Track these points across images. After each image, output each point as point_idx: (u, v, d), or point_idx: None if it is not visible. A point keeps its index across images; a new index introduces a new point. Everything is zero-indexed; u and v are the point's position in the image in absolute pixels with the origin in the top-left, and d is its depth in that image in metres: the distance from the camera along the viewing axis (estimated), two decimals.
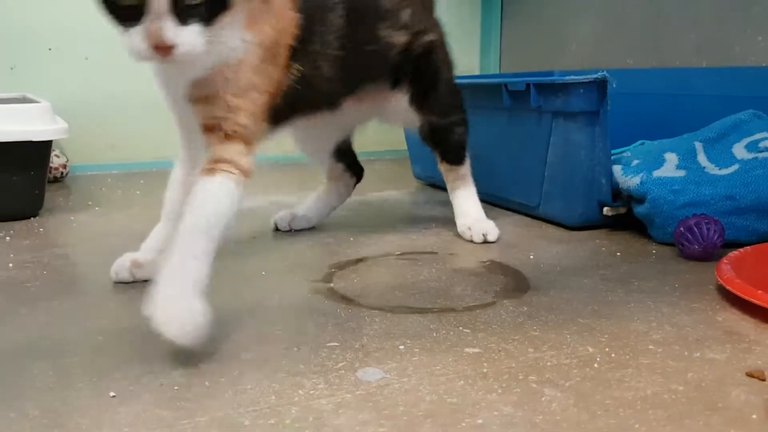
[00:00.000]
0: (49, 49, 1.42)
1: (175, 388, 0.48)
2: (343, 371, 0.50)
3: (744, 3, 1.08)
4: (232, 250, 0.82)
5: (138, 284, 0.69)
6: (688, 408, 0.44)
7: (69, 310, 0.65)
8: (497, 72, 1.73)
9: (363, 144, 1.46)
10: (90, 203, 1.15)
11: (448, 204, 1.03)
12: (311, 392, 0.47)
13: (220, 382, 0.49)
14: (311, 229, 0.95)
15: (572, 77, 0.83)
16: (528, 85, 0.89)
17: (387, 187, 1.30)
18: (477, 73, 1.77)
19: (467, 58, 1.76)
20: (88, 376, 0.50)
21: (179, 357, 0.52)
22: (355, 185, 0.98)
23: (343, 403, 0.46)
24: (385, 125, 0.94)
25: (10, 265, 0.78)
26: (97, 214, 1.07)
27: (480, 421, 0.43)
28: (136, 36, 0.54)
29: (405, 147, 1.38)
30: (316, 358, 0.53)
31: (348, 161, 0.96)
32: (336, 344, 0.56)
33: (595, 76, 0.81)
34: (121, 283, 0.71)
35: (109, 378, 0.49)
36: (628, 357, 0.52)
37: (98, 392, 0.47)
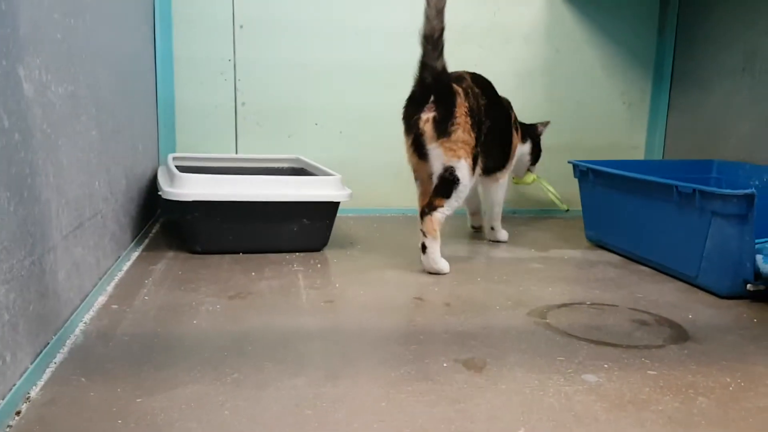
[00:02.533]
0: (316, 124, 1.93)
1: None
2: (572, 374, 0.88)
3: None
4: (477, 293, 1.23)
5: None
6: None
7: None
8: (661, 152, 2.04)
9: (542, 202, 1.81)
10: (351, 242, 1.62)
11: (619, 265, 1.38)
12: (557, 384, 0.85)
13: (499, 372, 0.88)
14: (524, 276, 1.33)
15: (729, 191, 1.16)
16: (694, 190, 1.23)
17: (564, 245, 1.65)
18: (642, 149, 2.08)
19: (636, 136, 2.08)
20: None
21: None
22: None
23: (578, 392, 0.83)
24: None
25: (337, 285, 1.24)
26: (361, 251, 1.53)
27: (652, 408, 0.79)
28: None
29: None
30: (553, 365, 0.91)
31: None
32: (563, 358, 0.93)
33: (745, 191, 1.13)
34: None
35: None
36: (752, 386, 0.85)
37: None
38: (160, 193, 1.40)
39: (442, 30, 1.28)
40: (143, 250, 1.44)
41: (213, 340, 0.94)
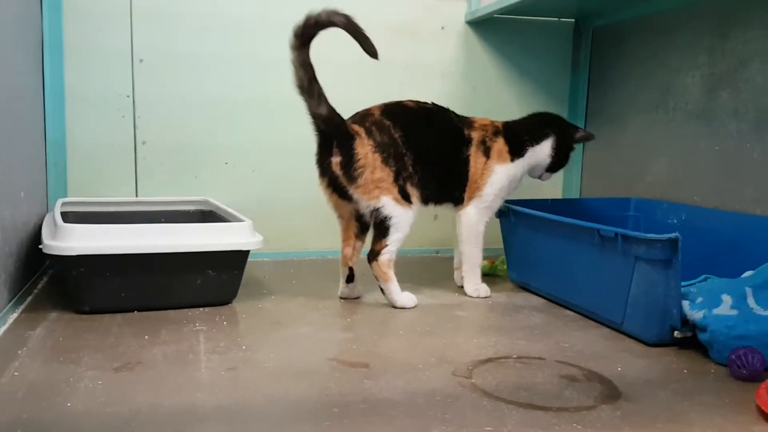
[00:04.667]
0: (226, 163, 1.81)
1: None
2: None
3: None
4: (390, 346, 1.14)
5: None
6: None
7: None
8: (579, 189, 2.03)
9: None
10: (264, 291, 1.50)
11: (544, 310, 1.33)
12: None
13: None
14: (448, 326, 1.25)
15: (653, 235, 1.12)
16: (616, 234, 1.19)
17: (489, 288, 1.59)
18: (560, 187, 2.07)
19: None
20: None
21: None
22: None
23: None
24: None
25: (244, 345, 1.11)
26: (275, 302, 1.41)
27: None
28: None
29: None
30: None
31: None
32: (491, 428, 0.85)
33: (669, 236, 1.10)
34: None
35: None
36: None
37: None
38: (41, 246, 1.24)
39: (310, 79, 1.31)
40: (23, 311, 1.27)
41: (88, 429, 0.80)
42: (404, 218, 1.37)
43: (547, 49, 2.03)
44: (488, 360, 1.10)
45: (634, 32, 1.83)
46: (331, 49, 1.84)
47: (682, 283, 1.19)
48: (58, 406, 0.86)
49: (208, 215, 1.65)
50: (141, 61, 1.71)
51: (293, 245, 1.87)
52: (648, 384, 1.00)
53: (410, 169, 1.38)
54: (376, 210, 1.35)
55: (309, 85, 1.31)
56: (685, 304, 1.13)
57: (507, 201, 1.58)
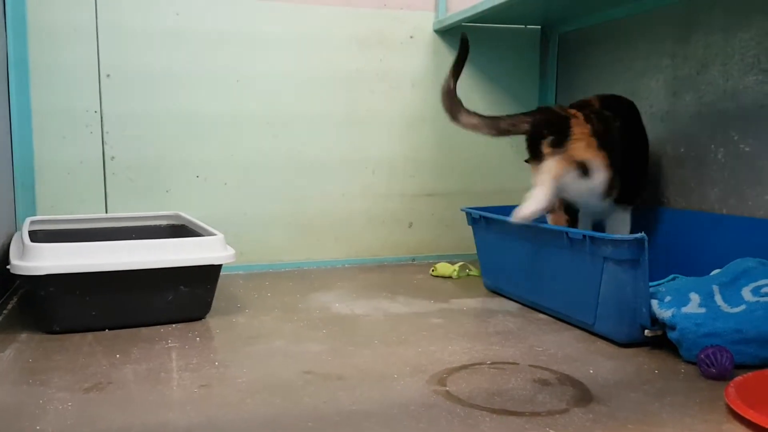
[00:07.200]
0: (197, 177, 1.80)
1: None
2: None
3: (755, 170, 1.39)
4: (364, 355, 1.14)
5: None
6: None
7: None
8: None
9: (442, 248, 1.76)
10: (238, 305, 1.49)
11: (518, 314, 1.34)
12: None
13: None
14: (423, 334, 1.25)
15: (619, 236, 1.14)
16: (584, 236, 1.20)
17: (463, 294, 1.60)
18: None
19: (526, 180, 2.08)
20: None
21: None
22: None
23: None
24: None
25: (217, 361, 1.11)
26: (249, 316, 1.40)
27: None
28: None
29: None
30: None
31: None
32: None
33: (635, 236, 1.12)
34: None
35: None
36: None
37: None
38: (8, 267, 1.22)
39: (507, 127, 1.44)
40: None
41: None
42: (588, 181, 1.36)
43: (516, 56, 2.06)
44: (462, 367, 1.10)
45: (599, 38, 1.85)
46: (299, 62, 1.85)
47: (652, 283, 1.21)
48: (27, 430, 0.84)
49: (180, 230, 1.64)
50: (108, 76, 1.69)
51: (267, 258, 1.86)
52: (619, 385, 1.01)
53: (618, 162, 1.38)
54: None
55: (504, 128, 1.44)
56: (654, 303, 1.15)
57: (479, 208, 1.59)
